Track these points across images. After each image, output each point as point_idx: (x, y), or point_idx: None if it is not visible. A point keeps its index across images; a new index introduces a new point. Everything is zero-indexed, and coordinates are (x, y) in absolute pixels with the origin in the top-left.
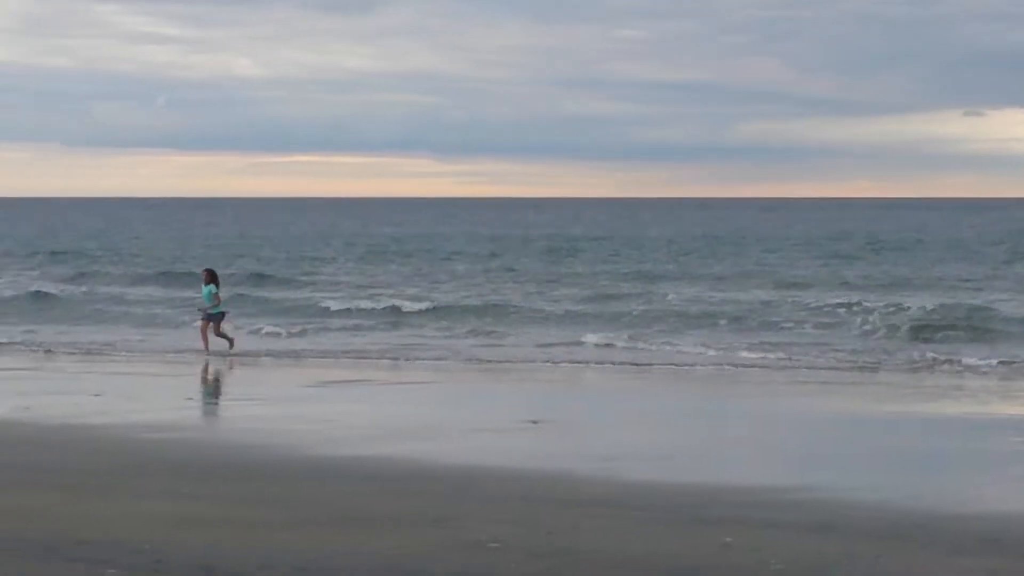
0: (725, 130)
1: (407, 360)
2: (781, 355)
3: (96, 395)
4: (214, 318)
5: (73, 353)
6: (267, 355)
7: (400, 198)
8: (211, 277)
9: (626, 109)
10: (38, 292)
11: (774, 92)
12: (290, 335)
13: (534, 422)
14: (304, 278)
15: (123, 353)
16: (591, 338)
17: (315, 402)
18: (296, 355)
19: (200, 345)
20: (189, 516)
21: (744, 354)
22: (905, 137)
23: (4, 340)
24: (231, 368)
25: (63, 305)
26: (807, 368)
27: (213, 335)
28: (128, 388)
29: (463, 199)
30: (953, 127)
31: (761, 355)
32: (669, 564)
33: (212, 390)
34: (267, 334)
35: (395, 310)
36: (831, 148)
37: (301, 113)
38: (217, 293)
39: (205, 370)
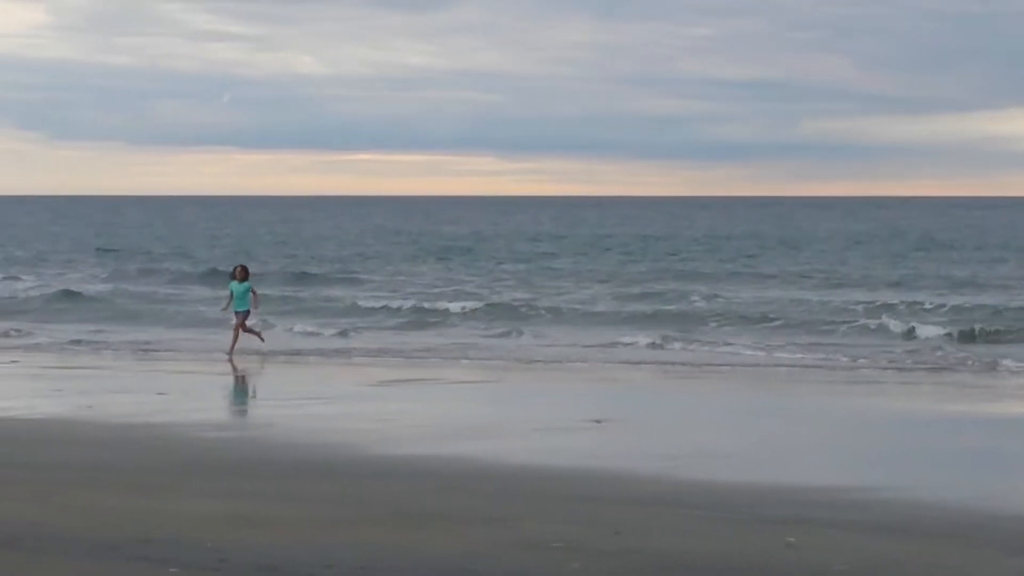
0: (791, 128)
1: (461, 359)
2: (838, 355)
3: (160, 394)
4: (242, 315)
5: (136, 352)
6: (316, 354)
7: (462, 196)
8: (245, 273)
9: (691, 107)
10: (78, 292)
11: (840, 89)
12: (335, 334)
13: (597, 421)
14: (350, 276)
15: (183, 353)
16: (644, 337)
17: (375, 401)
18: (346, 354)
19: (231, 345)
20: (251, 515)
21: (801, 355)
22: (969, 135)
23: (71, 338)
24: (263, 368)
25: (110, 304)
26: (866, 368)
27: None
28: (190, 387)
29: (525, 197)
30: (1019, 125)
31: (820, 356)
32: (733, 563)
33: (265, 391)
34: (309, 333)
35: (439, 311)
36: (896, 146)
37: (364, 111)
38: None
39: (238, 374)
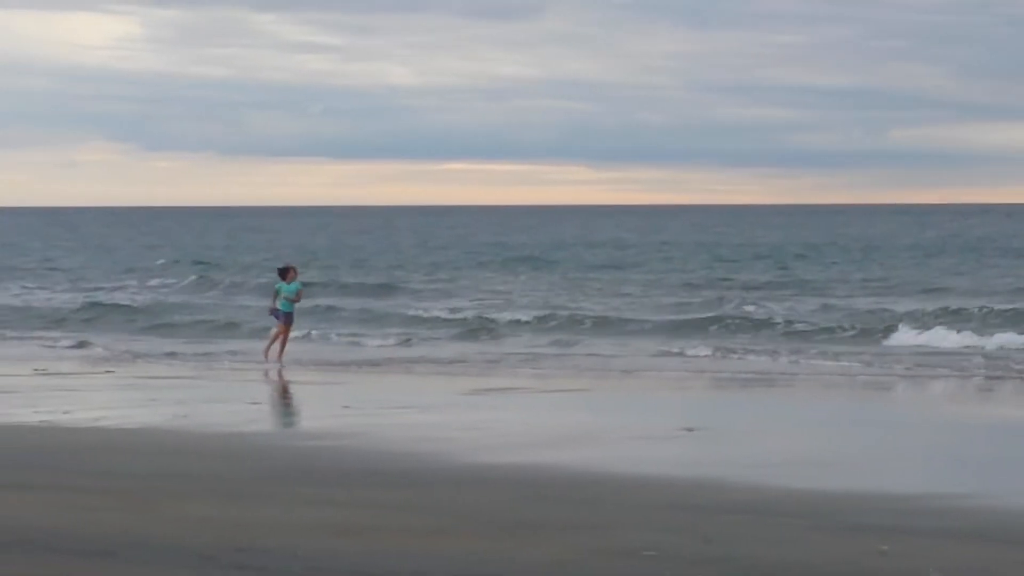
0: (881, 136)
1: (538, 368)
2: (922, 364)
3: (253, 403)
4: (288, 317)
5: (234, 361)
6: (389, 363)
7: (553, 206)
8: (294, 274)
9: (781, 115)
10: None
11: (931, 97)
12: (397, 343)
13: (688, 429)
14: (410, 286)
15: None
16: (703, 348)
17: (467, 409)
18: (418, 363)
19: (268, 351)
20: (344, 523)
21: (874, 363)
22: None
23: (166, 351)
24: (281, 378)
25: (202, 314)
26: (948, 376)
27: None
28: (286, 396)
29: (616, 207)
30: None
31: (906, 366)
32: (825, 572)
33: (362, 398)
34: (374, 345)
35: (496, 321)
36: (988, 153)
37: (455, 121)
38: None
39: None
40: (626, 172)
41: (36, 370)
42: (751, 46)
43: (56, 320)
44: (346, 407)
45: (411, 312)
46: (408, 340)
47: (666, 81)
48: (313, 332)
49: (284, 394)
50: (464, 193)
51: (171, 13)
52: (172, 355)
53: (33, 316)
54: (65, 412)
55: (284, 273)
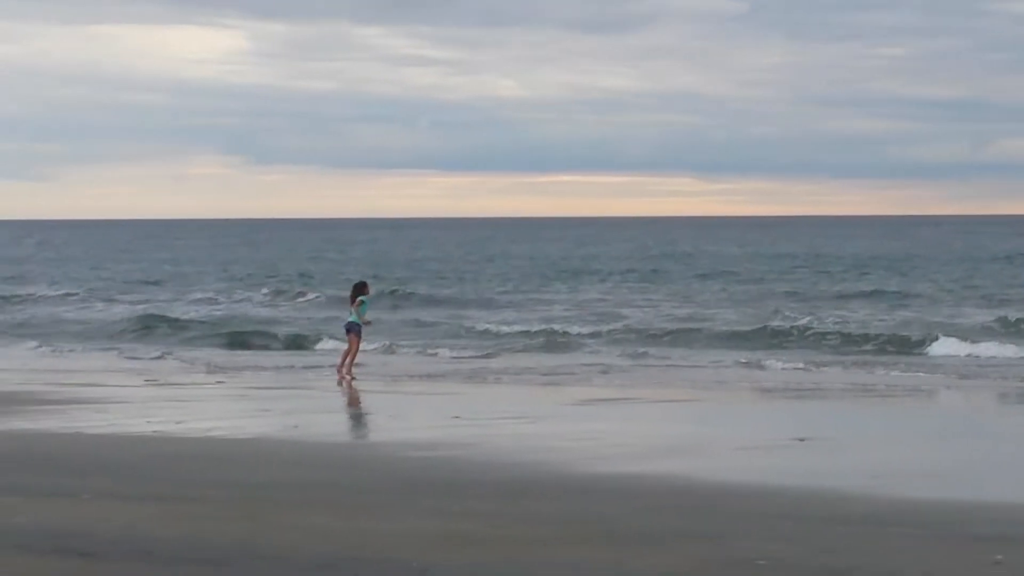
0: (987, 147)
1: (622, 378)
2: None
3: (366, 413)
4: (358, 329)
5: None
6: (486, 373)
7: (660, 217)
8: (367, 288)
9: (887, 127)
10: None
11: None
12: (480, 356)
13: (800, 439)
14: (488, 298)
15: (381, 373)
16: (780, 360)
17: (578, 420)
18: (497, 373)
19: (342, 364)
20: (457, 533)
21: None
22: None
23: (280, 364)
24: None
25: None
26: None
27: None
28: (396, 406)
29: (722, 218)
30: None
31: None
32: None
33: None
34: (453, 358)
35: (569, 333)
36: None
37: (562, 133)
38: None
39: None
40: (732, 184)
41: (147, 380)
42: (858, 58)
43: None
44: (456, 417)
45: (480, 326)
46: (488, 353)
47: (772, 93)
48: (393, 344)
49: (396, 404)
50: (570, 204)
51: (278, 27)
52: (290, 367)
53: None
54: (178, 422)
55: (359, 288)
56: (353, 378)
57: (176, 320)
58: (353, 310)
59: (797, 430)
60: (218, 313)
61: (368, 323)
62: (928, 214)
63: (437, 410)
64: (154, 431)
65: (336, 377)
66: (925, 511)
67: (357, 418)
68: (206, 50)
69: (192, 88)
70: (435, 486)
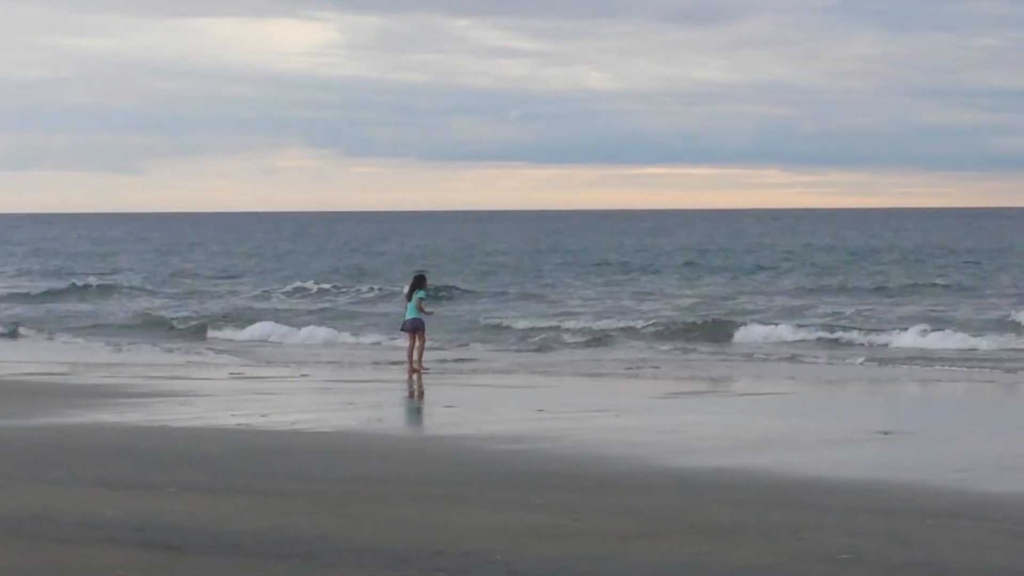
0: None
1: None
2: None
3: (448, 407)
4: (416, 323)
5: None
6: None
7: (747, 209)
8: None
9: (981, 118)
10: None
11: None
12: (534, 350)
13: (885, 433)
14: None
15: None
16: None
17: (661, 413)
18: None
19: (410, 360)
20: (541, 527)
21: None
22: None
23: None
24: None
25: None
26: None
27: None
28: (478, 400)
29: (811, 210)
30: None
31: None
32: None
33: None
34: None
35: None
36: None
37: (653, 125)
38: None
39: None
40: (822, 175)
41: (232, 374)
42: (951, 49)
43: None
44: (540, 410)
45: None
46: (539, 348)
47: (864, 84)
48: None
49: (481, 397)
50: (661, 197)
51: (369, 19)
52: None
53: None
54: (262, 415)
55: (418, 281)
56: (426, 370)
57: None
58: (412, 305)
59: (881, 422)
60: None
61: (430, 313)
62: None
63: (520, 403)
64: (238, 424)
65: (406, 375)
66: (1012, 505)
67: (440, 411)
68: (299, 43)
69: (284, 81)
70: (519, 480)
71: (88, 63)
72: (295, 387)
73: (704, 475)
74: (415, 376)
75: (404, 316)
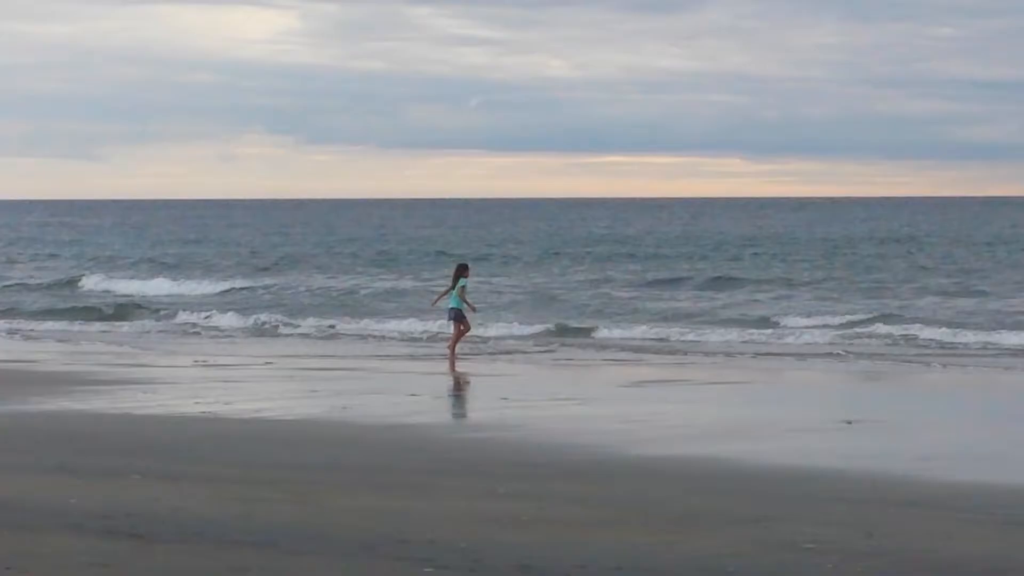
0: None
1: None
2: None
3: (412, 395)
4: (459, 313)
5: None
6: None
7: (708, 198)
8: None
9: (940, 108)
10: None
11: None
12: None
13: (848, 422)
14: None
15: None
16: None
17: (625, 402)
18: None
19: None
20: (506, 515)
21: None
22: None
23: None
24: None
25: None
26: None
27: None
28: (443, 388)
29: (771, 199)
30: None
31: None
32: (989, 567)
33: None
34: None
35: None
36: None
37: (614, 113)
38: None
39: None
40: (783, 164)
41: (196, 361)
42: (912, 38)
43: None
44: (504, 399)
45: None
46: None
47: (825, 74)
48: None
49: (445, 386)
50: (622, 185)
51: (329, 7)
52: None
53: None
54: (227, 403)
55: (461, 271)
56: (458, 358)
57: None
58: (455, 293)
59: (847, 411)
60: None
61: (473, 308)
62: (980, 195)
63: (486, 392)
64: (203, 412)
65: (448, 364)
66: (975, 495)
67: (405, 399)
68: (259, 30)
69: (243, 68)
70: (483, 468)
71: (47, 50)
72: (260, 375)
73: (669, 464)
74: (453, 363)
75: (447, 306)
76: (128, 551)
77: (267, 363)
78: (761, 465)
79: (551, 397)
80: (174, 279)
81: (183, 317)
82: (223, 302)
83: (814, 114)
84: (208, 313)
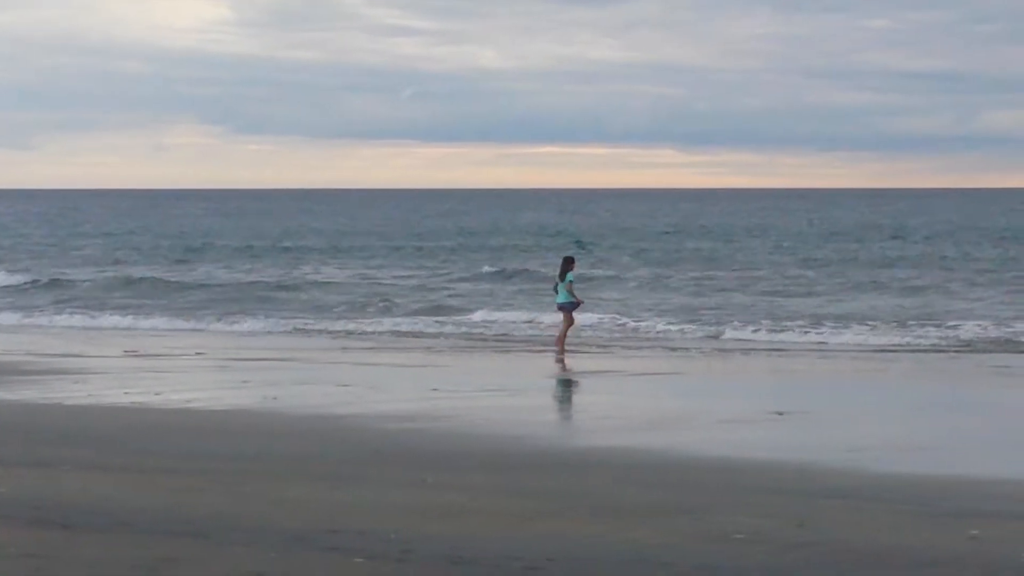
0: (973, 120)
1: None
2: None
3: (343, 385)
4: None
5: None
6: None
7: (642, 189)
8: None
9: (873, 99)
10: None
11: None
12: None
13: (779, 413)
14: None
15: (369, 344)
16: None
17: (557, 393)
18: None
19: (558, 346)
20: (436, 506)
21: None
22: None
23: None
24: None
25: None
26: None
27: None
28: (374, 378)
29: (705, 190)
30: None
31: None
32: (916, 556)
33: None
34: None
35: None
36: None
37: (546, 104)
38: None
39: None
40: (716, 155)
41: (127, 351)
42: (845, 30)
43: None
44: (435, 389)
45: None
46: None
47: (759, 65)
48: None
49: (376, 376)
50: (553, 176)
51: None
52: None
53: None
54: (156, 394)
55: (567, 264)
56: (564, 351)
57: None
58: (563, 287)
59: (779, 403)
60: None
61: (579, 302)
62: (912, 187)
63: (417, 382)
64: (132, 402)
65: (557, 356)
66: (902, 485)
67: (336, 390)
68: (190, 19)
69: (174, 57)
70: (413, 459)
71: None
72: (190, 365)
73: (600, 455)
74: (562, 356)
75: (555, 300)
76: (58, 541)
77: (198, 354)
78: (693, 456)
79: (481, 388)
80: None
81: None
82: None
83: (747, 105)
84: None
